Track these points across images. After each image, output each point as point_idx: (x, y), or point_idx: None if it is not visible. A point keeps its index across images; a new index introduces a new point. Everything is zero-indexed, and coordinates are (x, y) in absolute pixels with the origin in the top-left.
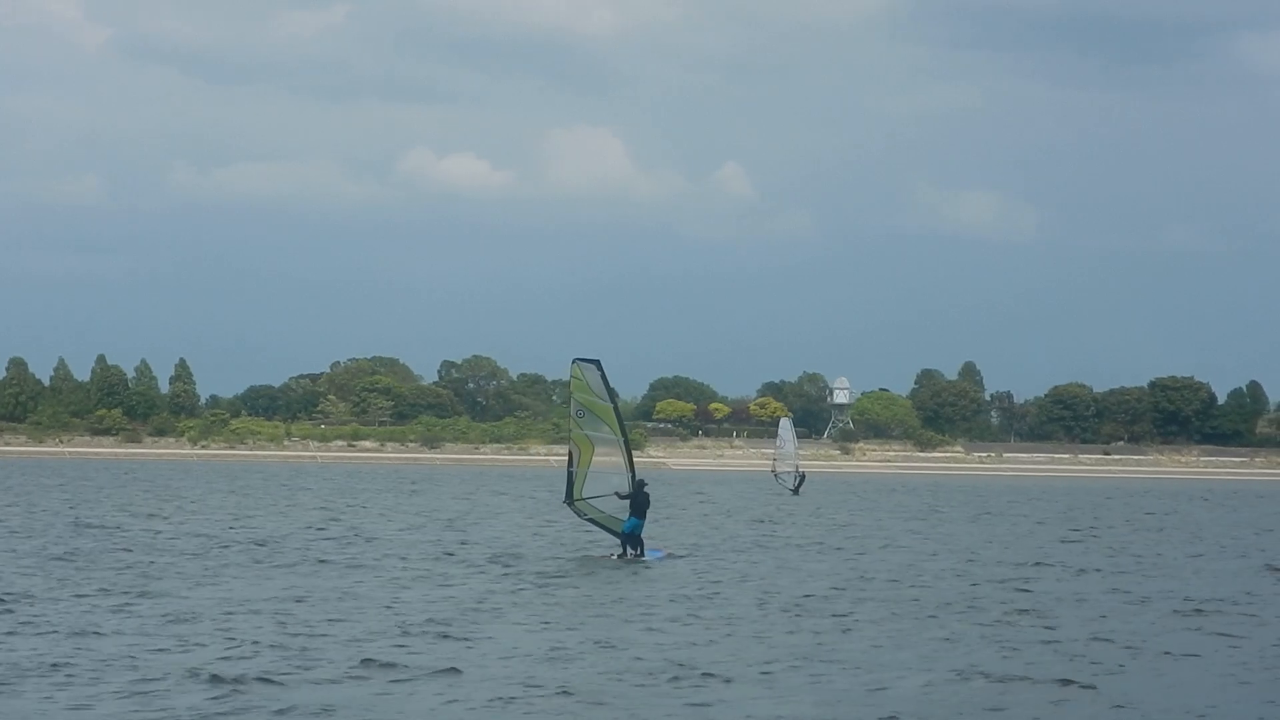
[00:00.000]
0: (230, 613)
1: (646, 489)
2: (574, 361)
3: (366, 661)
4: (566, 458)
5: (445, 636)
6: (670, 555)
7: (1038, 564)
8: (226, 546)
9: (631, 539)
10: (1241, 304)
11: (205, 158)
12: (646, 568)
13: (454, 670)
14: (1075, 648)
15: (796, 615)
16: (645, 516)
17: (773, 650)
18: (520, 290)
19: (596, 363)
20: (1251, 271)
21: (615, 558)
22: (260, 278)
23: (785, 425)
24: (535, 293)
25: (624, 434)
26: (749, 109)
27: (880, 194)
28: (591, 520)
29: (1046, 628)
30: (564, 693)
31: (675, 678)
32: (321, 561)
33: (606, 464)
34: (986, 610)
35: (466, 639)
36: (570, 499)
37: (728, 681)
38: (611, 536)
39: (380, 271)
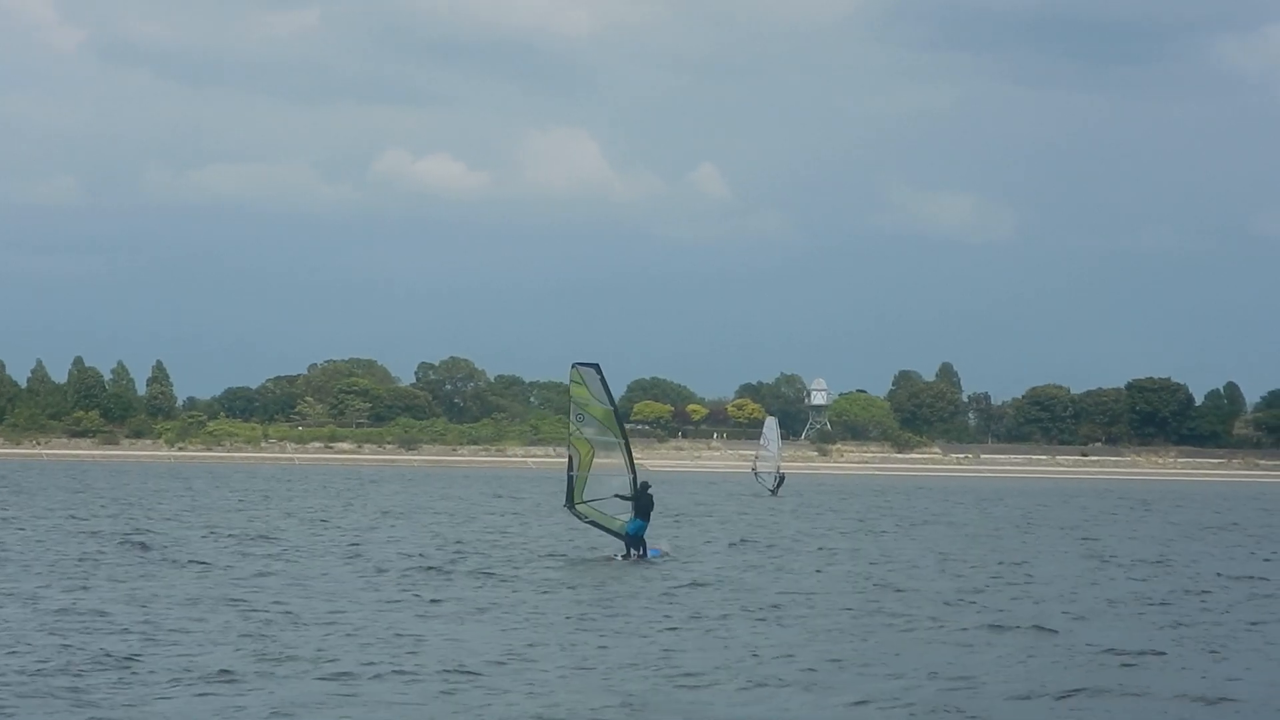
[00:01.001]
0: (82, 614)
1: (650, 490)
2: (573, 366)
3: (186, 667)
4: (566, 462)
5: (294, 631)
6: (667, 555)
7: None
8: (131, 546)
9: (635, 540)
10: (1219, 305)
11: (181, 159)
12: (627, 565)
13: (285, 668)
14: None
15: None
16: (649, 518)
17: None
18: (497, 292)
19: (596, 366)
20: (1229, 272)
21: (619, 558)
22: (237, 279)
23: (770, 424)
24: (512, 294)
25: (624, 437)
26: (725, 110)
27: (857, 195)
28: (593, 523)
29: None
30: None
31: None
32: (192, 562)
33: (607, 467)
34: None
35: (305, 639)
36: (571, 503)
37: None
38: (613, 539)
39: (357, 273)
